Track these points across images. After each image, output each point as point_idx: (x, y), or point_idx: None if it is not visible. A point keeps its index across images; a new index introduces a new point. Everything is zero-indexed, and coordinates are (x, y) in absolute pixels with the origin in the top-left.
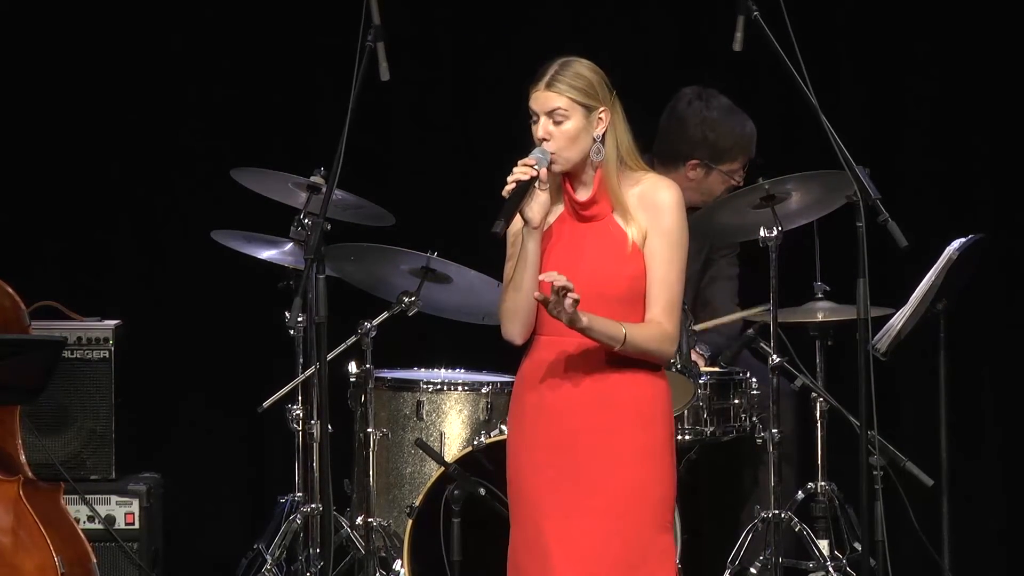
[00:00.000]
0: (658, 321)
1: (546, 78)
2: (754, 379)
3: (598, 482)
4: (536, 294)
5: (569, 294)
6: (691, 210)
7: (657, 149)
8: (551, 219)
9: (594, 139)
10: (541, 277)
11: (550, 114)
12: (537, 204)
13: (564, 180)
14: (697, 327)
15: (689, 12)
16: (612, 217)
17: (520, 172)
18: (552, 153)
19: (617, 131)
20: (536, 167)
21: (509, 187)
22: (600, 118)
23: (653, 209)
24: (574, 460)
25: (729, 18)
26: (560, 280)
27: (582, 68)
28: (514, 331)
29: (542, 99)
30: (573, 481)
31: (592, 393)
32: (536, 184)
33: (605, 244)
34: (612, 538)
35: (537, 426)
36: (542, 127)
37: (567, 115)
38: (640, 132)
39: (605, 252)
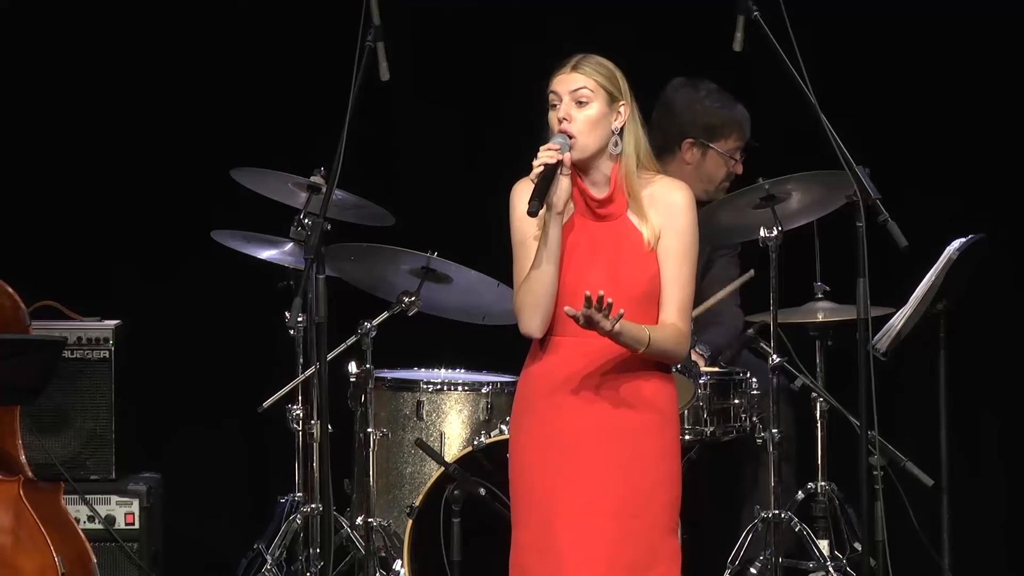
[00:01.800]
0: (673, 322)
1: (572, 62)
2: (754, 379)
3: (615, 483)
4: (567, 309)
5: (615, 309)
6: (699, 205)
7: (652, 140)
8: (563, 217)
9: (612, 131)
10: (587, 293)
11: (574, 93)
12: (561, 189)
13: (575, 177)
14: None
15: (689, 12)
16: (626, 216)
17: (546, 156)
18: (572, 137)
19: (636, 130)
20: (560, 151)
21: (537, 171)
22: (620, 111)
23: (667, 210)
24: (591, 461)
25: (729, 18)
26: (607, 299)
27: (605, 60)
28: (534, 324)
29: (568, 79)
30: (589, 481)
31: (612, 394)
32: (560, 169)
33: (623, 243)
34: (626, 539)
35: (551, 426)
36: (564, 108)
37: (591, 97)
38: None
39: (623, 251)
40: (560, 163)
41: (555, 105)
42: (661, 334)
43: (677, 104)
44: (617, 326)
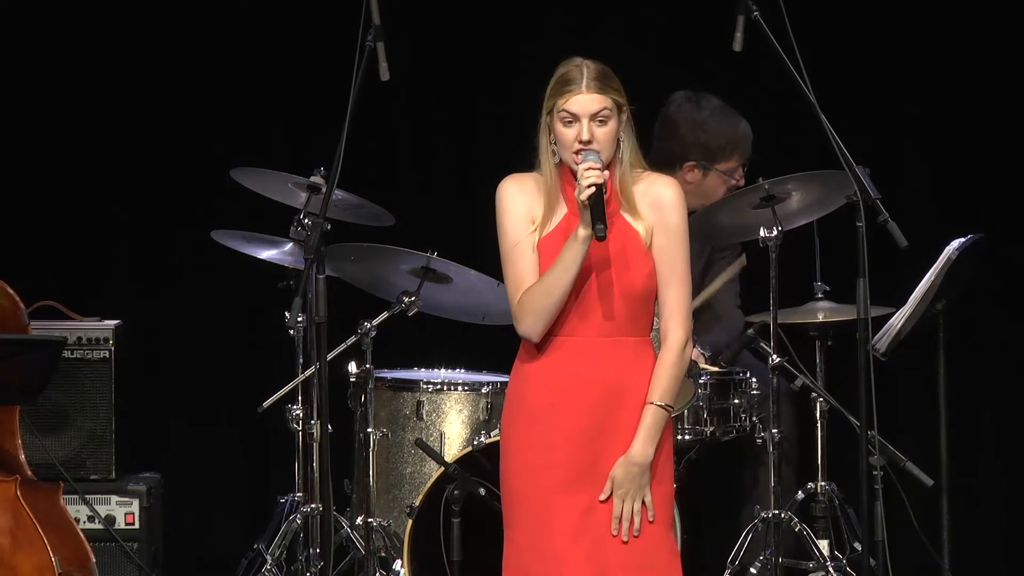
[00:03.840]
0: (671, 345)
1: (585, 80)
2: (754, 379)
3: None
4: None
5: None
6: (690, 214)
7: (653, 156)
8: (556, 220)
9: (619, 140)
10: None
11: (594, 116)
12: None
13: (567, 179)
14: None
15: (688, 12)
16: (621, 215)
17: (595, 176)
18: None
19: (630, 130)
20: (601, 169)
21: (589, 192)
22: (623, 118)
23: (656, 206)
24: (593, 459)
25: (729, 18)
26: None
27: (607, 68)
28: (538, 329)
29: (587, 101)
30: (590, 480)
31: (607, 392)
32: (603, 186)
33: (620, 243)
34: (627, 537)
35: (546, 424)
36: (587, 129)
37: (610, 115)
38: (643, 137)
39: (622, 250)
40: (605, 181)
41: (569, 122)
42: (666, 379)
43: (679, 124)
44: (650, 450)
